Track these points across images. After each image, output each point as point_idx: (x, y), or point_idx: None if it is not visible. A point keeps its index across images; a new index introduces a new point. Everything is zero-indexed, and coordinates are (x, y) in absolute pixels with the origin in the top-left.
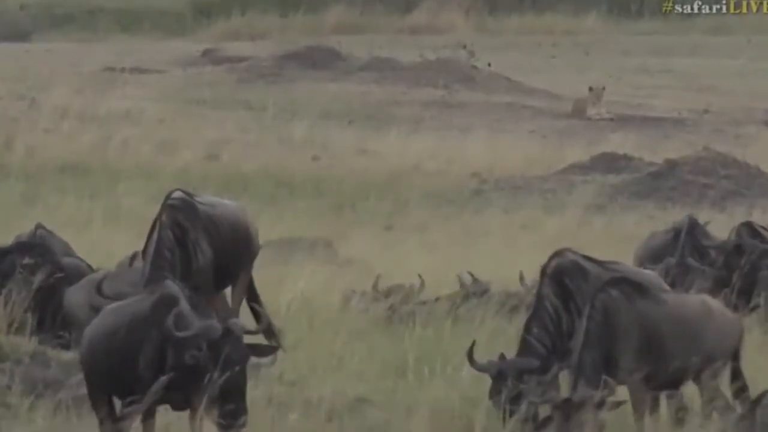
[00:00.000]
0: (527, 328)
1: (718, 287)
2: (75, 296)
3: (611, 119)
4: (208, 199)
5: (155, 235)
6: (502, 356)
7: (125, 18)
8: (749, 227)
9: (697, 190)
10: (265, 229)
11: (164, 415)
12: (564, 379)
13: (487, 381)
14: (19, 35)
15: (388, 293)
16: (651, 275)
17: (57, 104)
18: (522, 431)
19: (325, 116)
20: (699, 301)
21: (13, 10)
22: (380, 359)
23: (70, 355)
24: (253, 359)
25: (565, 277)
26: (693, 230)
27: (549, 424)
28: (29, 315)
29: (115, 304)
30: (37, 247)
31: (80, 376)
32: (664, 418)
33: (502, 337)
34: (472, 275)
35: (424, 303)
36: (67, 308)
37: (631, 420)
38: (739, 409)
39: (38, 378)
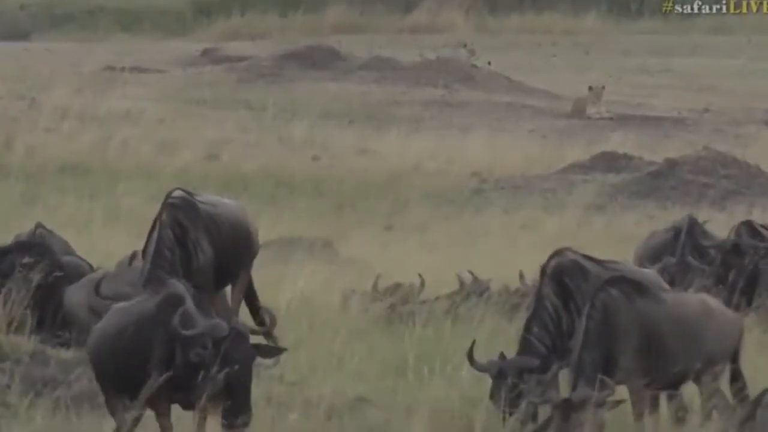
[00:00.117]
0: (527, 328)
1: (716, 286)
2: (75, 295)
3: (611, 119)
4: (208, 198)
5: (155, 235)
6: (502, 356)
7: (125, 18)
8: (749, 226)
9: (697, 190)
10: (265, 229)
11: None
12: (564, 378)
13: (487, 381)
14: (19, 35)
15: (388, 293)
16: (651, 274)
17: (57, 104)
18: (522, 431)
19: (325, 116)
20: (699, 300)
21: (13, 10)
22: (380, 359)
23: (69, 354)
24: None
25: (565, 277)
26: (692, 229)
27: (550, 424)
28: (29, 314)
29: (121, 304)
30: (37, 247)
31: (80, 374)
32: (664, 418)
33: (501, 337)
34: (472, 274)
35: (424, 302)
36: (67, 307)
37: (631, 420)
38: (738, 409)
39: (38, 377)
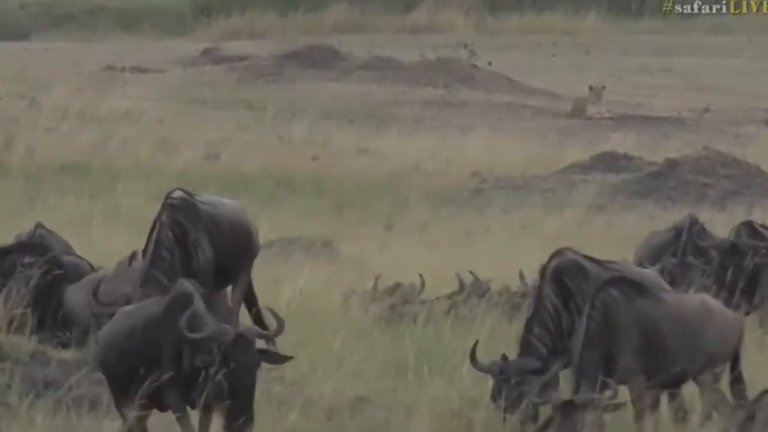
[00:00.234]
0: (528, 328)
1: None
2: (75, 295)
3: (611, 119)
4: (208, 198)
5: (154, 235)
6: (504, 356)
7: (125, 17)
8: (749, 226)
9: (697, 190)
10: (265, 229)
11: (165, 415)
12: (564, 378)
13: (487, 381)
14: (19, 35)
15: (388, 293)
16: (651, 275)
17: (57, 104)
18: (522, 431)
19: (325, 116)
20: (699, 300)
21: (13, 10)
22: (380, 359)
23: (70, 354)
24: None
25: (565, 277)
26: (692, 229)
27: (550, 424)
28: (29, 314)
29: (130, 306)
30: (38, 247)
31: (80, 375)
32: (664, 418)
33: (502, 337)
34: (473, 274)
35: (424, 302)
36: (68, 307)
37: (631, 420)
38: (738, 409)
39: (38, 377)
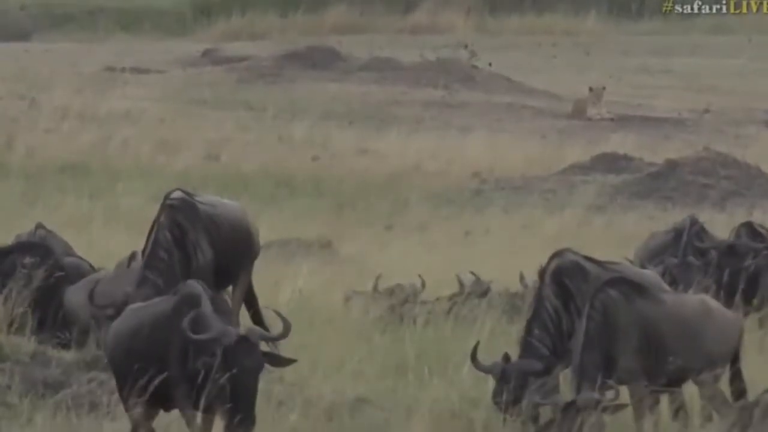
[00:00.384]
0: (528, 330)
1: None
2: (75, 296)
3: (611, 119)
4: (208, 198)
5: (153, 236)
6: (506, 357)
7: (125, 18)
8: (749, 227)
9: (697, 191)
10: (265, 229)
11: (165, 415)
12: (564, 378)
13: (487, 381)
14: (19, 35)
15: (388, 293)
16: (650, 275)
17: (57, 104)
18: None
19: (325, 116)
20: (698, 301)
21: (13, 10)
22: (380, 359)
23: (70, 355)
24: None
25: (565, 278)
26: (692, 230)
27: (551, 425)
28: (30, 314)
29: (138, 305)
30: (38, 247)
31: (80, 376)
32: (664, 418)
33: (502, 337)
34: (474, 275)
35: (424, 303)
36: (68, 308)
37: (631, 420)
38: (738, 410)
39: (38, 378)
